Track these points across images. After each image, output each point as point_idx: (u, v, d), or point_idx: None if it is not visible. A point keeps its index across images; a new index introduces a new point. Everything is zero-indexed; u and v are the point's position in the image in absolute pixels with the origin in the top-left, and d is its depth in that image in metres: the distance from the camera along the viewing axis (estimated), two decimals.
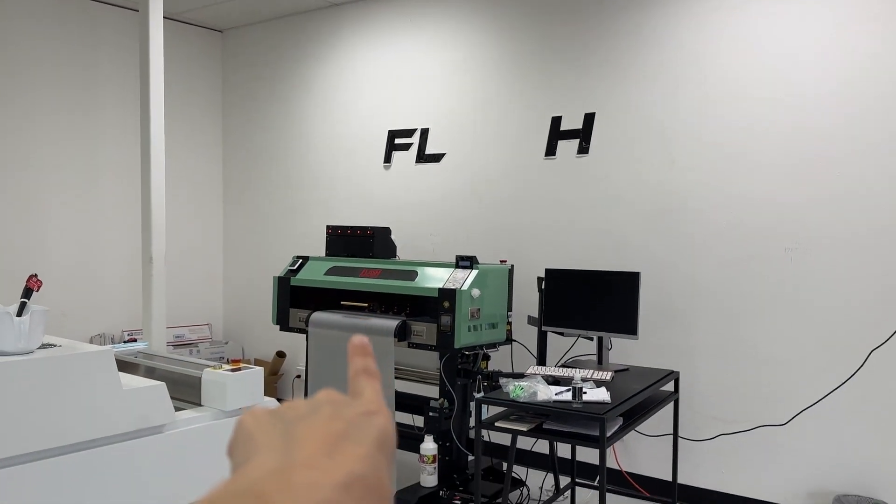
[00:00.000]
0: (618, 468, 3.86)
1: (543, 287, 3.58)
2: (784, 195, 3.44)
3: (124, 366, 2.31)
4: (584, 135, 4.01)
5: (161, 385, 1.92)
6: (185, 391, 2.16)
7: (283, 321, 4.01)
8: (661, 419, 3.66)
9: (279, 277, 4.03)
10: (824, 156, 3.35)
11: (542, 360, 3.64)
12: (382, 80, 4.83)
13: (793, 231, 3.42)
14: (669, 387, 3.32)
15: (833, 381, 3.32)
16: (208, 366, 2.19)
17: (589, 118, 3.99)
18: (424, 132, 4.62)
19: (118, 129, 5.09)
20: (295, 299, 3.98)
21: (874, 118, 3.24)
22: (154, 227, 4.20)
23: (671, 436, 3.45)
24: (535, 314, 3.72)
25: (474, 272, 3.44)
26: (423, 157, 4.63)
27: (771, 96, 3.48)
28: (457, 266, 3.52)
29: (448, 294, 3.36)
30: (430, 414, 3.53)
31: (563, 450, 3.89)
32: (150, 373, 2.29)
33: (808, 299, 3.39)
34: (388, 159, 4.78)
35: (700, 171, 3.66)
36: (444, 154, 4.54)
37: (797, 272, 3.41)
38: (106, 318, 5.04)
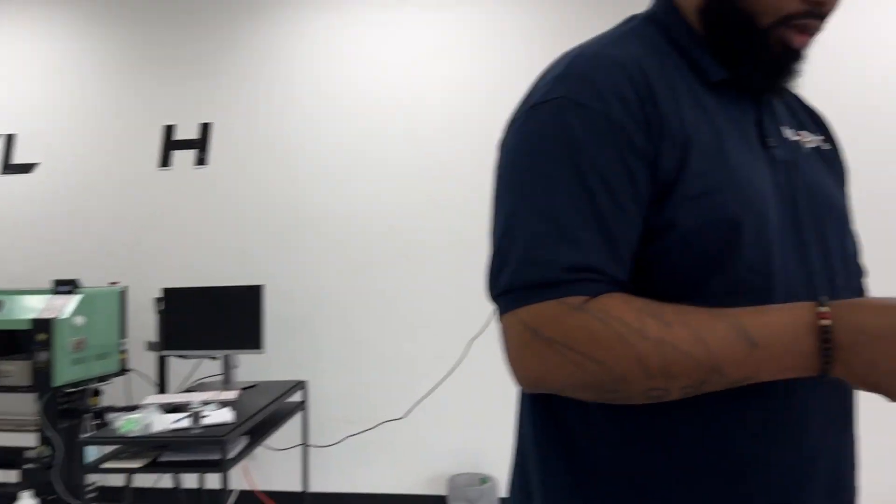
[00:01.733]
0: (249, 489, 3.77)
1: (162, 308, 3.33)
2: (398, 205, 3.72)
3: None
4: (201, 145, 3.84)
5: None
6: None
7: None
8: (292, 430, 3.68)
9: None
10: (433, 164, 3.71)
11: (163, 388, 3.37)
12: None
13: (405, 238, 3.72)
14: (299, 396, 3.34)
15: (442, 372, 3.68)
16: None
17: (205, 128, 3.83)
18: (10, 138, 3.97)
19: None
20: None
21: (473, 124, 3.69)
22: None
23: (301, 445, 3.48)
24: (155, 338, 3.44)
25: (77, 297, 3.04)
26: (9, 168, 3.97)
27: (382, 109, 3.73)
28: (55, 292, 3.09)
29: (43, 325, 2.92)
30: (26, 466, 3.02)
31: (193, 480, 3.66)
32: None
33: (419, 298, 3.71)
34: None
35: (317, 183, 3.76)
36: (37, 164, 3.95)
37: (409, 275, 3.71)
38: None
